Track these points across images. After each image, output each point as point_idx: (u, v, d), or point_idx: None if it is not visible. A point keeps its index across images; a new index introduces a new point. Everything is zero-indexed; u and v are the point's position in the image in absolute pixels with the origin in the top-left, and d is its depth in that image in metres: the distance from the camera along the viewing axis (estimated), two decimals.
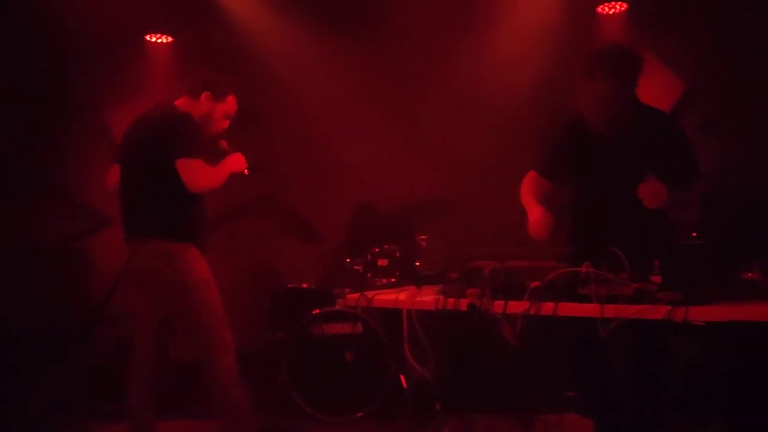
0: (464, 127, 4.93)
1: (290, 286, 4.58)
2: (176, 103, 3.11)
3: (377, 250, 4.26)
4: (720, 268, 2.36)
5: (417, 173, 4.91)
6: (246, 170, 3.12)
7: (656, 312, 2.01)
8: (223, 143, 3.18)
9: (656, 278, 2.15)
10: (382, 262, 4.22)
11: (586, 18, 4.89)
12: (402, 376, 3.15)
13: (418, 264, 4.18)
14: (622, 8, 4.83)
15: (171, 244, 2.89)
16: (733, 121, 4.52)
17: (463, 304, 2.30)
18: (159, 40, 5.20)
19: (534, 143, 4.57)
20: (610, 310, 2.05)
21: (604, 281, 2.12)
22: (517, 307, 2.20)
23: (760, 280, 2.32)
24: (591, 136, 2.75)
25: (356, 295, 2.56)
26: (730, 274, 2.37)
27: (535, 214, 2.66)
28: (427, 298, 2.42)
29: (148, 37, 5.18)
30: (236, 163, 3.07)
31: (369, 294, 2.56)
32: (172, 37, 5.20)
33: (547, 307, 2.17)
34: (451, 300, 2.34)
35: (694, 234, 3.73)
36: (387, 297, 2.54)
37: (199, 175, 2.82)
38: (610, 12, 4.86)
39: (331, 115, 5.09)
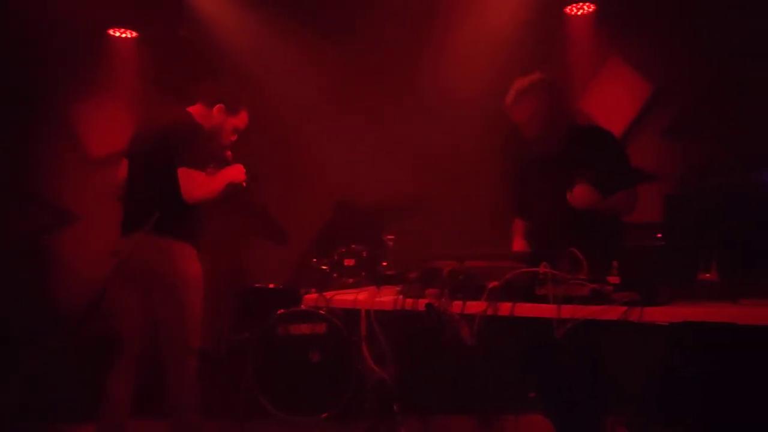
0: (434, 128, 4.92)
1: (257, 285, 4.54)
2: (190, 109, 3.18)
3: (344, 250, 4.24)
4: (677, 269, 2.37)
5: (387, 174, 4.90)
6: (244, 182, 3.18)
7: (612, 313, 2.00)
8: (228, 154, 3.24)
9: (614, 279, 2.15)
10: (349, 262, 4.20)
11: (554, 19, 4.90)
12: (363, 377, 3.12)
13: (384, 264, 4.16)
14: (590, 9, 4.85)
15: (168, 241, 2.96)
16: (699, 124, 4.56)
17: (422, 304, 2.28)
18: (123, 35, 5.11)
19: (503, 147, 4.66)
20: (567, 311, 2.04)
21: (561, 282, 2.11)
22: (475, 307, 2.18)
23: (717, 281, 2.32)
24: (528, 153, 3.02)
25: (315, 296, 2.52)
26: (687, 274, 2.38)
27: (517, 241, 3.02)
28: (386, 298, 2.39)
29: (112, 32, 5.08)
30: (235, 174, 3.13)
31: (328, 294, 2.52)
32: (136, 31, 5.12)
33: (505, 308, 2.15)
34: (409, 300, 2.32)
35: (659, 235, 3.77)
36: (346, 297, 2.51)
37: (196, 187, 2.92)
38: (579, 13, 4.88)
39: (301, 115, 5.05)
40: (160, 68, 5.13)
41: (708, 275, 2.35)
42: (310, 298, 2.55)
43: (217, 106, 3.16)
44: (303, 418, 3.70)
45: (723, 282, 2.30)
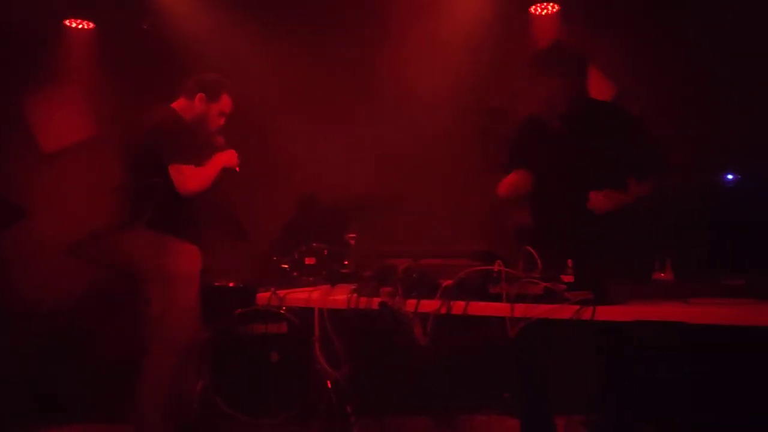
0: (399, 127, 4.90)
1: (216, 284, 4.45)
2: (173, 105, 3.24)
3: (304, 248, 4.17)
4: (632, 268, 2.37)
5: (352, 172, 4.86)
6: (237, 167, 3.26)
7: (564, 312, 1.98)
8: (220, 139, 3.30)
9: (568, 278, 2.13)
10: (310, 261, 4.13)
11: (519, 18, 4.90)
12: (321, 377, 3.06)
13: (346, 263, 4.11)
14: (555, 9, 4.87)
15: (164, 236, 3.03)
16: (659, 126, 4.59)
17: (375, 302, 2.24)
18: (80, 26, 4.98)
19: (468, 144, 4.64)
20: (520, 310, 2.02)
21: (514, 280, 2.08)
22: (428, 305, 2.15)
23: (671, 281, 2.33)
24: (545, 132, 2.78)
25: (268, 294, 2.46)
26: (642, 273, 2.38)
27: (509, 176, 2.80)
28: (340, 296, 2.35)
29: (68, 22, 4.95)
30: (228, 158, 3.22)
31: (282, 293, 2.46)
32: (93, 23, 4.99)
33: (458, 306, 2.12)
34: (363, 299, 2.28)
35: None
36: (300, 296, 2.46)
37: (188, 180, 2.98)
38: (543, 13, 4.89)
39: (267, 113, 4.98)
40: (120, 61, 5.01)
41: (663, 275, 2.36)
42: (263, 296, 2.48)
43: (198, 95, 3.21)
44: (261, 420, 3.62)
45: (677, 281, 2.31)
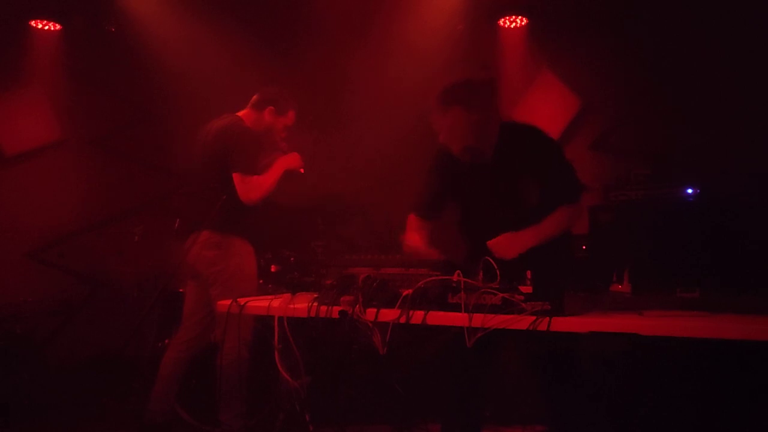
0: (368, 133, 4.91)
1: (181, 290, 4.40)
2: (240, 114, 3.42)
3: (270, 255, 4.14)
4: (590, 280, 2.40)
5: (320, 179, 4.85)
6: (302, 169, 3.44)
7: (521, 322, 1.99)
8: (283, 145, 3.47)
9: (526, 289, 2.14)
10: (275, 268, 4.10)
11: (487, 30, 4.95)
12: (280, 386, 3.04)
13: (311, 271, 4.08)
14: (523, 23, 4.93)
15: (226, 238, 3.24)
16: (622, 139, 4.68)
17: (336, 311, 2.23)
18: (46, 27, 4.90)
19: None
20: (478, 320, 2.03)
21: (473, 290, 2.10)
22: (388, 315, 2.14)
23: (628, 293, 2.36)
24: (460, 165, 2.67)
25: (228, 301, 2.43)
26: (601, 285, 2.41)
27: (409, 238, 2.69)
28: (300, 305, 2.33)
29: (34, 24, 4.87)
30: (291, 161, 3.40)
31: (242, 300, 2.44)
32: (60, 24, 4.92)
33: (417, 316, 2.12)
34: (323, 307, 2.26)
35: (584, 247, 3.83)
36: (260, 304, 2.43)
37: (251, 190, 3.19)
38: (511, 26, 4.96)
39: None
40: (87, 63, 4.95)
41: (620, 287, 2.39)
42: (224, 304, 2.46)
43: (268, 108, 3.41)
44: (220, 429, 3.58)
45: (634, 293, 2.34)
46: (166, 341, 4.06)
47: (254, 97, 3.47)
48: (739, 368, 2.15)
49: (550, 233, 2.53)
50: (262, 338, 3.54)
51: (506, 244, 2.43)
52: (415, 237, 2.72)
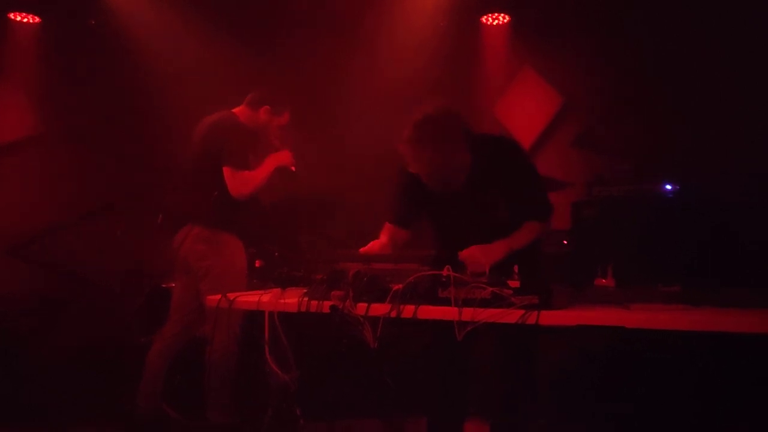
0: (353, 130, 4.92)
1: (164, 286, 4.38)
2: (235, 111, 3.45)
3: (254, 250, 4.14)
4: (576, 274, 2.45)
5: (305, 175, 4.85)
6: (293, 166, 3.47)
7: (510, 316, 2.03)
8: (275, 142, 3.49)
9: (514, 283, 2.18)
10: (259, 263, 4.11)
11: (470, 28, 4.99)
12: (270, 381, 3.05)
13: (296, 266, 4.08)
14: (506, 20, 4.98)
15: (217, 233, 3.26)
16: (603, 136, 4.75)
17: (326, 306, 2.24)
18: (25, 20, 4.84)
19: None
20: (467, 313, 2.06)
21: (463, 285, 2.13)
22: (379, 309, 2.17)
23: (612, 287, 2.42)
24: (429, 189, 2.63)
25: (217, 297, 2.44)
26: (585, 279, 2.46)
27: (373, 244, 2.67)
28: (290, 300, 2.34)
29: (12, 16, 4.80)
30: (282, 158, 3.43)
31: (231, 295, 2.44)
32: (39, 17, 4.86)
33: (408, 310, 2.14)
34: (314, 302, 2.28)
35: (565, 242, 3.90)
36: (250, 299, 2.44)
37: (242, 185, 3.21)
38: (494, 23, 5.00)
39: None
40: (66, 56, 4.90)
41: (604, 281, 2.45)
42: (213, 299, 2.46)
43: (264, 107, 3.42)
44: (208, 423, 3.57)
45: (617, 288, 2.40)
46: (151, 336, 4.05)
47: (250, 95, 3.49)
48: (721, 359, 2.22)
49: (519, 246, 2.55)
50: (249, 333, 3.56)
51: (477, 257, 2.41)
52: (381, 240, 2.71)
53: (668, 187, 3.72)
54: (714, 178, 3.70)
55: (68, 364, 4.43)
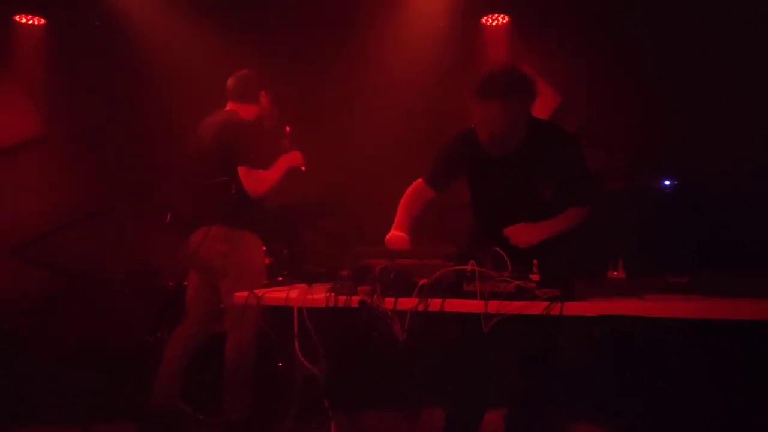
0: (355, 127, 4.99)
1: (171, 284, 4.43)
2: (232, 108, 3.46)
3: (264, 248, 4.20)
4: (591, 268, 2.56)
5: (307, 171, 4.91)
6: (303, 167, 3.52)
7: (535, 308, 2.13)
8: (285, 142, 3.53)
9: (534, 277, 2.28)
10: (268, 260, 4.17)
11: (471, 28, 5.09)
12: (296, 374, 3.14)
13: (309, 263, 4.15)
14: (505, 20, 5.08)
15: (235, 231, 3.30)
16: (602, 133, 4.86)
17: (354, 301, 2.32)
18: (30, 22, 4.86)
19: (421, 147, 4.78)
20: (493, 306, 2.16)
21: (487, 279, 2.22)
22: (406, 303, 2.24)
23: (623, 279, 2.53)
24: (483, 151, 2.74)
25: (245, 293, 2.51)
26: (599, 272, 2.57)
27: (391, 233, 2.76)
28: (318, 295, 2.42)
29: (18, 18, 4.82)
30: (293, 159, 3.48)
31: (259, 292, 2.52)
32: (44, 19, 4.88)
33: (435, 304, 2.22)
34: (342, 297, 2.35)
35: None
36: (277, 295, 2.52)
37: (257, 183, 3.27)
38: (494, 24, 5.10)
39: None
40: (72, 58, 4.92)
41: (616, 273, 2.56)
42: (241, 296, 2.53)
43: (261, 93, 3.47)
44: (222, 419, 3.64)
45: (629, 279, 2.51)
46: (158, 335, 4.11)
47: (234, 88, 3.48)
48: (735, 347, 2.34)
49: (562, 229, 2.69)
50: (266, 330, 3.63)
51: (523, 233, 2.57)
52: (397, 234, 2.80)
53: (666, 182, 3.84)
54: (712, 172, 3.83)
55: (71, 364, 4.47)
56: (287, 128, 3.56)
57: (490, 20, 5.09)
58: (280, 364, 3.62)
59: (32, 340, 4.80)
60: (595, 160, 4.66)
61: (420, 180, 2.94)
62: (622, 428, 3.06)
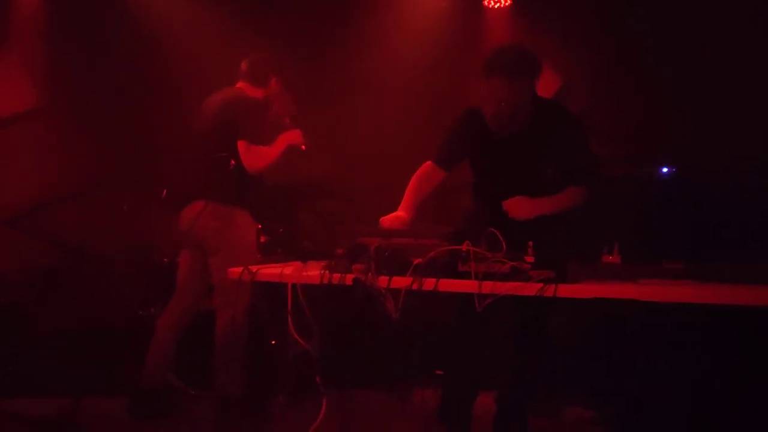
0: (355, 109, 4.97)
1: (166, 260, 4.43)
2: (240, 86, 3.49)
3: (260, 226, 4.21)
4: (585, 251, 2.56)
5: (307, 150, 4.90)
6: (303, 146, 3.51)
7: (529, 289, 2.13)
8: (286, 120, 3.54)
9: (529, 258, 2.29)
10: (263, 239, 4.17)
11: (473, 10, 5.05)
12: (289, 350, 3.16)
13: (305, 241, 4.16)
14: (507, 3, 5.05)
15: (230, 208, 3.31)
16: (602, 119, 4.85)
17: (349, 279, 2.33)
18: None
19: (421, 129, 4.77)
20: (487, 287, 2.16)
21: (482, 259, 2.22)
22: (400, 282, 2.25)
23: (618, 263, 2.53)
24: (488, 130, 2.75)
25: (239, 269, 2.51)
26: (594, 256, 2.58)
27: (392, 216, 2.73)
28: (313, 272, 2.42)
29: None
30: (293, 137, 3.47)
31: (254, 268, 2.51)
32: None
33: (429, 283, 2.23)
34: (336, 275, 2.36)
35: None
36: (272, 271, 2.52)
37: (256, 159, 3.26)
38: (496, 6, 5.07)
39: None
40: (68, 31, 4.88)
41: (611, 258, 2.56)
42: (236, 271, 2.53)
43: (272, 79, 3.51)
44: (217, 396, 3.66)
45: (624, 264, 2.52)
46: (152, 310, 4.12)
47: (246, 68, 3.52)
48: (720, 330, 2.36)
49: (562, 207, 2.70)
50: (257, 307, 3.64)
51: (522, 205, 2.60)
52: (400, 214, 2.79)
53: (664, 169, 3.85)
54: (708, 161, 3.83)
55: (68, 338, 4.48)
56: (287, 120, 3.56)
57: (492, 2, 5.06)
58: (273, 342, 3.63)
59: (29, 313, 4.81)
60: (594, 145, 4.70)
61: (429, 162, 2.93)
62: (613, 412, 3.09)
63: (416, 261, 2.28)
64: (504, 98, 2.61)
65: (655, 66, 4.55)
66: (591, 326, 2.96)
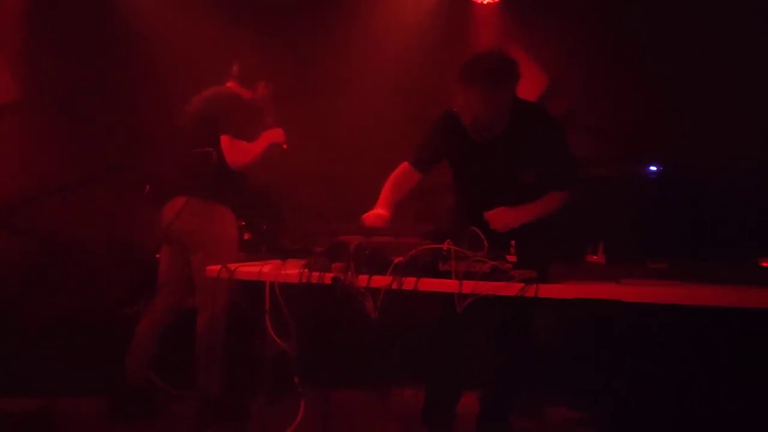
0: (339, 106, 4.92)
1: (157, 256, 4.37)
2: (229, 86, 3.48)
3: (243, 223, 4.16)
4: (569, 251, 2.53)
5: (293, 149, 4.86)
6: (285, 144, 3.51)
7: (510, 289, 2.10)
8: (268, 118, 3.53)
9: (511, 258, 2.25)
10: (247, 236, 4.13)
11: (462, 5, 5.01)
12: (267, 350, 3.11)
13: (287, 239, 4.12)
14: None
15: (211, 204, 3.28)
16: (588, 118, 4.82)
17: (328, 277, 2.29)
18: None
19: (409, 125, 4.73)
20: (468, 286, 2.12)
21: (463, 258, 2.19)
22: (380, 281, 2.21)
23: (602, 263, 2.50)
24: (467, 133, 2.71)
25: (217, 267, 2.47)
26: (577, 256, 2.55)
27: (373, 213, 2.68)
28: (292, 271, 2.38)
29: None
30: (275, 136, 3.46)
31: (232, 266, 2.47)
32: None
33: (409, 282, 2.19)
34: (315, 273, 2.32)
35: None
36: (250, 269, 2.48)
37: (238, 154, 3.25)
38: (485, 2, 5.02)
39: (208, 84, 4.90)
40: (49, 22, 4.80)
41: (595, 257, 2.53)
42: (214, 269, 2.49)
43: (260, 83, 3.50)
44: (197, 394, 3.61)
45: (608, 264, 2.49)
46: (135, 308, 4.07)
47: (237, 69, 3.51)
48: (705, 331, 2.33)
49: (542, 214, 2.67)
50: (237, 305, 3.59)
51: (503, 218, 2.53)
52: (380, 212, 2.73)
53: (651, 168, 3.83)
54: (696, 160, 3.81)
55: (51, 335, 4.42)
56: (269, 119, 3.54)
57: None
58: (256, 342, 3.58)
59: (10, 310, 4.74)
60: (581, 145, 4.67)
61: (406, 163, 2.89)
62: (599, 413, 3.07)
63: (396, 260, 2.24)
64: (481, 110, 2.57)
65: (651, 71, 4.52)
66: (576, 326, 2.93)
